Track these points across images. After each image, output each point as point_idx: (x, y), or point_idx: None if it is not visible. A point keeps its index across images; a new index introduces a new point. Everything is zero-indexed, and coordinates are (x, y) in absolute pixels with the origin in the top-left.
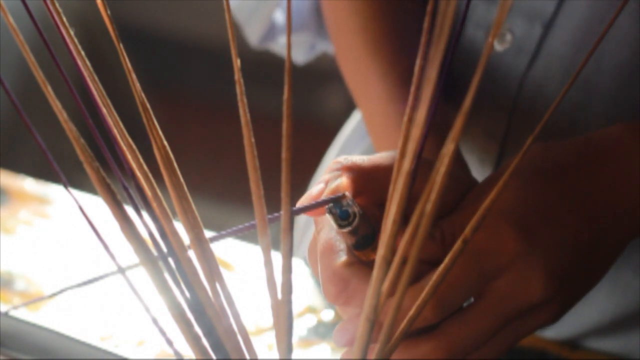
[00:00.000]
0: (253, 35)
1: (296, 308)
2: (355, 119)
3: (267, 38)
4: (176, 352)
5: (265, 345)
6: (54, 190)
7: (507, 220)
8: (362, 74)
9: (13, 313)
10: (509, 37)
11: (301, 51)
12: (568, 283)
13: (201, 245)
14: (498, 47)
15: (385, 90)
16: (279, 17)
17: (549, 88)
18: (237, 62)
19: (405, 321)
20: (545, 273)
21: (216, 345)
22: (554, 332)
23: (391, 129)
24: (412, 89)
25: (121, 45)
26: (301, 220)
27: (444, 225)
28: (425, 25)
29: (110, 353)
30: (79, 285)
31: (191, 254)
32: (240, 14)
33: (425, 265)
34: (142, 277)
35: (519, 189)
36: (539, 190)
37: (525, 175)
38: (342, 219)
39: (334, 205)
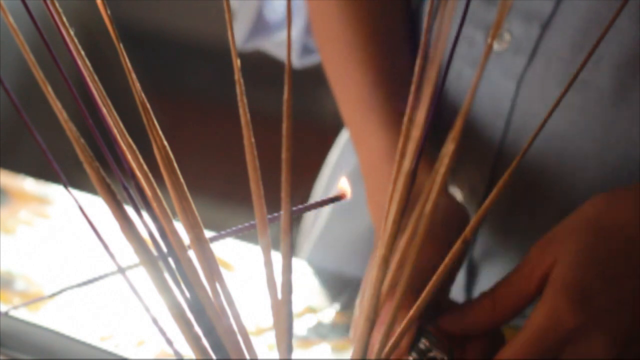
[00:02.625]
0: (238, 36)
1: (296, 308)
2: None
3: (252, 38)
4: (176, 352)
5: (265, 345)
6: (54, 190)
7: (564, 294)
8: (341, 80)
9: (13, 313)
10: (507, 37)
11: (293, 52)
12: (631, 341)
13: (201, 245)
14: (496, 46)
15: (360, 94)
16: (267, 16)
17: (547, 89)
18: (237, 62)
19: (405, 322)
20: (609, 341)
21: (216, 345)
22: None
23: (367, 134)
24: (412, 88)
25: (121, 45)
26: (306, 220)
27: (498, 291)
28: (425, 25)
29: (110, 353)
30: (79, 285)
31: (191, 254)
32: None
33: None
34: (142, 277)
35: (578, 253)
36: (598, 253)
37: (585, 235)
38: None
39: (413, 349)
